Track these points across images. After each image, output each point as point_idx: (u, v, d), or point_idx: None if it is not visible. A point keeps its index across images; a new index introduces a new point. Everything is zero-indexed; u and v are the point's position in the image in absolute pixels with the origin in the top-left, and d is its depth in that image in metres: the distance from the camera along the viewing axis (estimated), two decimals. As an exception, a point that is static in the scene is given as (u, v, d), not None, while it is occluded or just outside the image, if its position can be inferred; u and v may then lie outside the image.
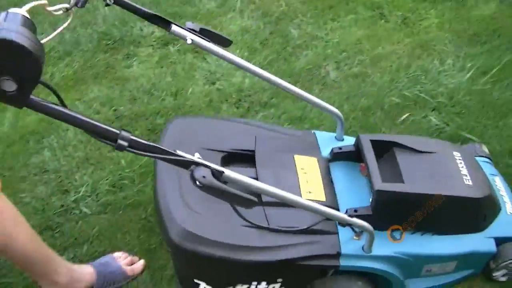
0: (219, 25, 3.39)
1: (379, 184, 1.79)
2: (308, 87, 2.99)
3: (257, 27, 3.36)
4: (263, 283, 1.88)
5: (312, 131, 2.21)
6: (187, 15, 3.49)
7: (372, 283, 1.96)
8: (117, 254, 2.12)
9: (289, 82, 1.94)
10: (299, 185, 1.89)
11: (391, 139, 2.01)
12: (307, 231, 1.79)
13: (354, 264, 1.83)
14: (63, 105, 1.21)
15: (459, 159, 1.99)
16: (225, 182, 1.35)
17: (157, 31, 3.37)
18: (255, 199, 1.39)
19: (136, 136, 1.24)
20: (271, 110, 2.88)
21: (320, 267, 1.82)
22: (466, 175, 1.93)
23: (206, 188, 1.31)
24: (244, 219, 1.70)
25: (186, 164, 1.32)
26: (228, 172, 1.37)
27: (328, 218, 1.75)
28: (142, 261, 2.10)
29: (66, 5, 1.39)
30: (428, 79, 3.01)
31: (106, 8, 3.46)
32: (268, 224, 1.77)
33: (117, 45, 3.32)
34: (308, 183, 1.91)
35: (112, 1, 1.58)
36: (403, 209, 1.86)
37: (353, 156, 2.02)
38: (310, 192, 1.87)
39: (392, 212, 1.86)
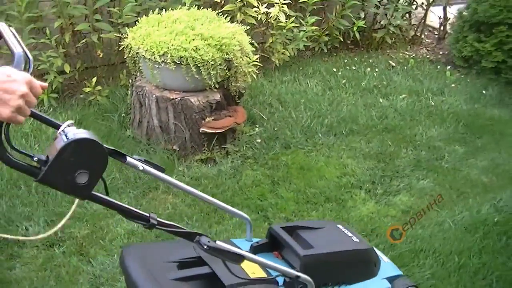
0: (105, 227, 3.99)
1: (303, 251, 2.62)
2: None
3: (143, 230, 3.97)
4: None
5: (230, 240, 2.99)
6: (74, 216, 4.05)
7: None
8: None
9: None
10: (244, 269, 2.59)
11: (293, 224, 2.93)
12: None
13: None
14: (107, 193, 1.94)
15: (343, 228, 2.93)
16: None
17: (43, 231, 3.88)
18: (244, 255, 2.20)
19: (160, 218, 2.00)
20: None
21: None
22: (352, 237, 2.85)
23: (210, 250, 2.06)
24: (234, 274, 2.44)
25: (193, 236, 2.07)
26: (219, 242, 2.12)
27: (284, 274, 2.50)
28: None
29: None
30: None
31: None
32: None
33: (1, 245, 3.83)
34: (248, 267, 2.61)
35: None
36: (324, 267, 2.68)
37: (267, 247, 2.83)
38: (254, 273, 2.60)
39: (317, 272, 2.62)
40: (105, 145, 2.34)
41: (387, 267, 3.04)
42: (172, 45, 4.47)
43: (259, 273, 2.66)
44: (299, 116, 5.56)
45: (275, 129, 5.30)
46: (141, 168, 2.30)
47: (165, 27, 4.71)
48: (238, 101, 5.04)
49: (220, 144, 4.83)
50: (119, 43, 5.03)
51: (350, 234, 2.91)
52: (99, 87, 5.46)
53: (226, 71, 4.68)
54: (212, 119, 4.68)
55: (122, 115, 5.27)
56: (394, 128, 5.60)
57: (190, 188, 2.63)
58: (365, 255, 2.85)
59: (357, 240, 2.85)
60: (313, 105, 5.82)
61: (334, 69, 6.81)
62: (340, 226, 2.99)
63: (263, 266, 2.59)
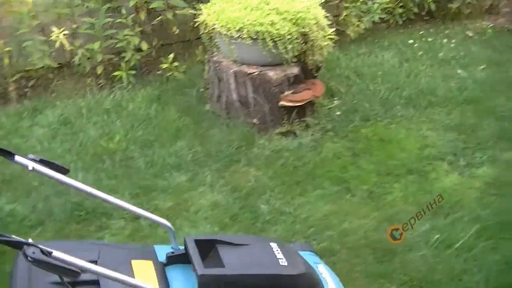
0: (189, 199, 4.09)
1: (201, 270, 2.41)
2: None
3: (227, 202, 4.06)
4: None
5: (153, 246, 2.84)
6: (157, 188, 4.15)
7: None
8: None
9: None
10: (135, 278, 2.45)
11: (213, 237, 2.71)
12: None
13: None
14: None
15: (276, 248, 2.62)
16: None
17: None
18: (79, 270, 1.94)
19: None
20: None
21: None
22: (282, 259, 2.55)
23: (36, 262, 1.82)
24: None
25: (19, 245, 1.85)
26: (56, 252, 1.91)
27: None
28: None
29: None
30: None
31: (81, 179, 4.17)
32: None
33: (90, 217, 3.99)
34: (142, 276, 2.45)
35: None
36: None
37: (186, 258, 2.59)
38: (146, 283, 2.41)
39: None
40: None
41: None
42: (248, 20, 4.51)
43: (152, 283, 2.43)
44: (376, 88, 5.53)
45: (354, 101, 5.30)
46: (30, 168, 2.28)
47: (239, 3, 4.77)
48: (316, 75, 5.06)
49: (299, 117, 4.86)
50: (194, 20, 5.11)
51: (279, 256, 2.58)
52: (176, 63, 5.57)
53: (302, 45, 4.69)
54: (291, 93, 4.73)
55: (200, 90, 5.36)
56: (474, 100, 5.48)
57: (95, 190, 2.62)
58: (289, 282, 2.54)
59: (285, 264, 2.54)
60: (390, 77, 5.77)
61: (410, 41, 6.69)
62: (274, 245, 2.67)
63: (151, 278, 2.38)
